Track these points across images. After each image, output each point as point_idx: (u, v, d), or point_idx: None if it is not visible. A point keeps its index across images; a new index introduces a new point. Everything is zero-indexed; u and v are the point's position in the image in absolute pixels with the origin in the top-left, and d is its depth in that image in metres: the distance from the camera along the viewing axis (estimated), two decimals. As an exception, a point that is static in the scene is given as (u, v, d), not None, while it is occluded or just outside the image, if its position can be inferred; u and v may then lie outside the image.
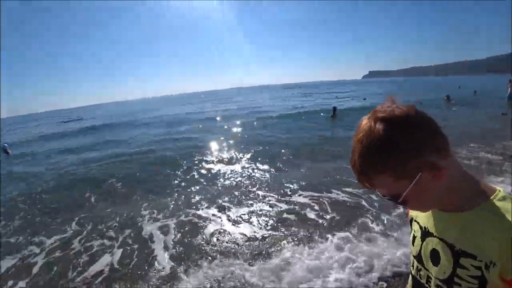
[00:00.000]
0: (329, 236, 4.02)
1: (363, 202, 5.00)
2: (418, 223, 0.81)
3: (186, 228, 4.73)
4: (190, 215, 5.21)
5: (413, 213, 0.86)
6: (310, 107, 22.11)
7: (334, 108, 15.72)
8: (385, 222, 4.21)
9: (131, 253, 4.13)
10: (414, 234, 0.82)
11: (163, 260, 3.84)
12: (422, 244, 0.77)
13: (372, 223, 4.22)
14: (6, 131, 34.49)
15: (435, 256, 0.71)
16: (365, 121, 0.63)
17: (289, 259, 3.54)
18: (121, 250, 4.23)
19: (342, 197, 5.35)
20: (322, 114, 16.61)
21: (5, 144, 15.29)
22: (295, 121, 15.56)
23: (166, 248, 4.15)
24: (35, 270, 3.97)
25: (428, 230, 0.75)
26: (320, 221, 4.54)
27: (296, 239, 4.07)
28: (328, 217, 4.64)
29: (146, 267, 3.74)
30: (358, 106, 19.79)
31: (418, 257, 0.78)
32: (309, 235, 4.13)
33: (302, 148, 9.18)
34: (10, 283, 3.70)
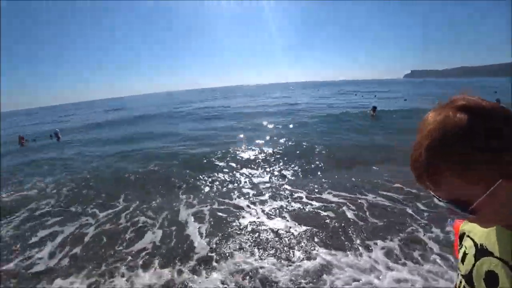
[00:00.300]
0: (371, 243, 3.63)
1: (408, 210, 4.48)
2: (472, 239, 0.71)
3: (219, 217, 4.74)
4: (224, 204, 5.24)
5: (465, 226, 0.76)
6: (347, 106, 20.38)
7: (374, 108, 14.65)
8: (440, 238, 3.62)
9: (170, 234, 4.27)
10: (465, 251, 0.72)
11: (199, 246, 3.87)
12: (475, 263, 0.67)
13: (423, 236, 3.68)
14: (58, 117, 36.96)
15: (491, 279, 0.62)
16: (435, 113, 0.56)
17: (327, 263, 3.25)
18: (161, 231, 4.40)
19: (381, 201, 4.91)
20: (360, 113, 15.39)
21: (57, 129, 16.43)
22: (331, 119, 14.61)
23: (201, 234, 4.19)
24: (86, 239, 4.34)
25: (486, 248, 0.65)
26: (360, 224, 4.15)
27: (333, 241, 3.76)
28: (368, 221, 4.23)
29: (184, 250, 3.82)
30: (399, 108, 18.04)
31: (467, 277, 0.69)
32: (347, 238, 3.79)
33: (336, 148, 8.65)
34: (67, 248, 4.11)
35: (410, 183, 5.39)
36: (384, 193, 5.22)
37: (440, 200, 0.59)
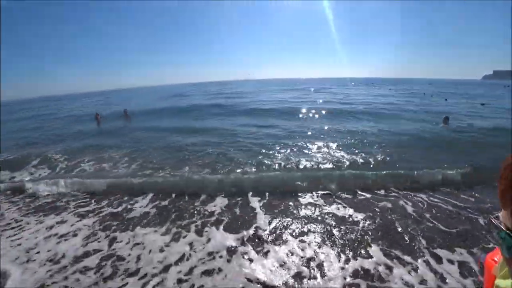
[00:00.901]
0: (440, 253, 3.24)
1: (480, 221, 3.92)
2: None
3: (278, 194, 5.00)
4: (283, 182, 5.49)
5: (503, 284, 0.58)
6: (415, 109, 16.42)
7: (446, 118, 11.73)
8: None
9: (235, 203, 4.73)
10: None
11: (260, 220, 4.19)
12: None
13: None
14: (121, 100, 37.15)
15: None
16: None
17: (389, 267, 3.06)
18: (227, 198, 4.92)
19: (440, 203, 4.47)
20: (429, 123, 12.15)
21: (126, 108, 17.16)
22: (394, 123, 12.15)
23: (262, 209, 4.50)
24: (173, 195, 5.22)
25: None
26: (423, 226, 3.84)
27: (395, 239, 3.56)
28: (434, 224, 3.87)
29: (246, 221, 4.19)
30: (475, 115, 14.01)
31: None
32: (411, 239, 3.53)
33: (394, 149, 7.62)
34: (157, 202, 4.98)
35: (461, 191, 4.88)
36: (437, 195, 4.78)
37: None
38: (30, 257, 3.52)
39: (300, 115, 14.74)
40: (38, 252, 3.61)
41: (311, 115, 14.86)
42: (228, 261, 3.27)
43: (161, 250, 3.54)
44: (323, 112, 15.67)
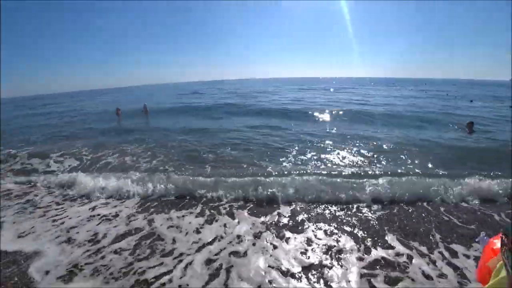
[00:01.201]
0: (458, 248, 3.33)
1: (495, 217, 4.04)
2: None
3: (300, 186, 5.14)
4: (306, 174, 5.64)
5: None
6: (437, 111, 15.47)
7: (470, 124, 10.57)
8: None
9: (260, 194, 5.00)
10: None
11: (283, 209, 4.47)
12: None
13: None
14: (135, 98, 35.83)
15: None
16: None
17: (405, 259, 3.16)
18: (251, 187, 5.16)
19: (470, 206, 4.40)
20: (452, 128, 11.30)
21: (145, 103, 17.23)
22: (415, 126, 11.56)
23: (284, 200, 4.76)
24: (202, 181, 5.51)
25: None
26: (438, 219, 4.00)
27: (411, 230, 3.70)
28: (450, 219, 4.02)
29: (270, 208, 4.53)
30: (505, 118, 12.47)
31: None
32: (426, 232, 3.65)
33: (411, 149, 7.63)
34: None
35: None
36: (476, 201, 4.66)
37: None
38: (70, 237, 3.77)
39: (320, 116, 14.53)
40: (77, 232, 3.88)
41: (330, 116, 14.52)
42: (254, 244, 3.51)
43: (197, 232, 3.90)
44: (341, 113, 15.00)
